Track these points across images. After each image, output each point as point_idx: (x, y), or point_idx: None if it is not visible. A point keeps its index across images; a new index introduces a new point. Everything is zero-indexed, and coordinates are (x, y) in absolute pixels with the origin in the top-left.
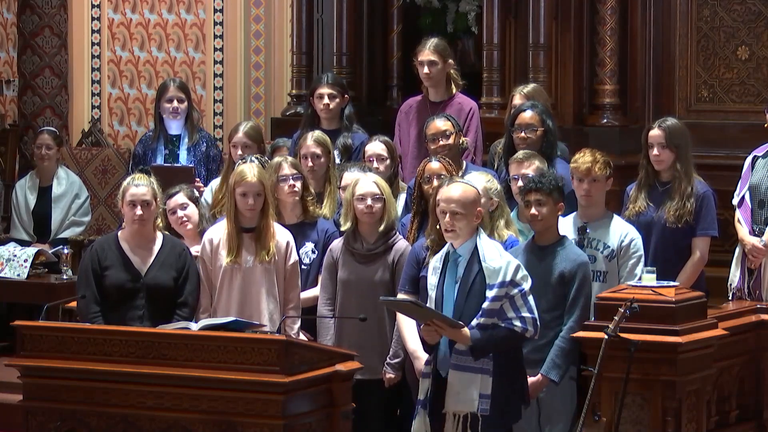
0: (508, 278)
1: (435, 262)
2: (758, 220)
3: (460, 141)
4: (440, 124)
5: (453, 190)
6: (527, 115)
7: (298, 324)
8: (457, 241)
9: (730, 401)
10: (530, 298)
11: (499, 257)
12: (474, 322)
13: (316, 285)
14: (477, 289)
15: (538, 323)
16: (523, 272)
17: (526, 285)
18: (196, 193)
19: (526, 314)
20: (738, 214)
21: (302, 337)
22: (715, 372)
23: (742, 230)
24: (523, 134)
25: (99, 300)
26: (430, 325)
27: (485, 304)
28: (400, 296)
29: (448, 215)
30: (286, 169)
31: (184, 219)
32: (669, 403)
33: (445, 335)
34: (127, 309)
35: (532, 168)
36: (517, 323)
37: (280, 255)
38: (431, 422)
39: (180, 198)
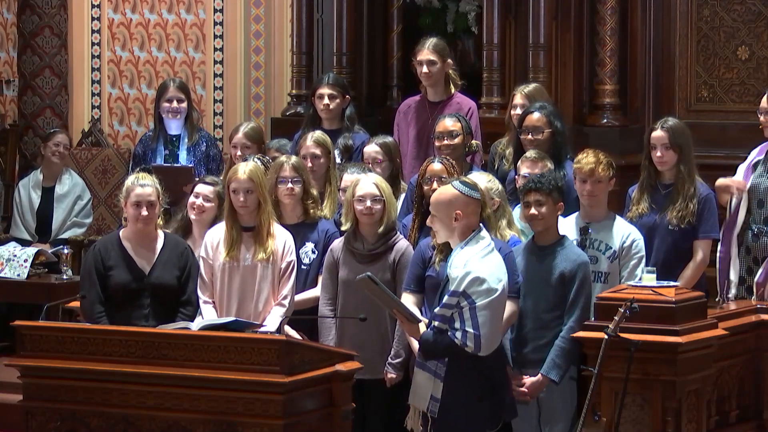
0: (461, 288)
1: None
2: (758, 219)
3: (471, 143)
4: (449, 123)
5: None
6: (534, 117)
7: (284, 318)
8: (440, 240)
9: (730, 401)
10: (483, 314)
11: (463, 266)
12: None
13: (315, 285)
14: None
15: (482, 341)
16: (481, 287)
17: (480, 300)
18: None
19: (469, 329)
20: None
21: (291, 332)
22: (715, 372)
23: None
24: (530, 136)
25: (103, 300)
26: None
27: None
28: (405, 295)
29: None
30: (287, 171)
31: (201, 210)
32: (669, 403)
33: (402, 327)
34: (132, 309)
35: (545, 170)
36: (458, 335)
37: (279, 254)
38: None
39: (209, 191)
